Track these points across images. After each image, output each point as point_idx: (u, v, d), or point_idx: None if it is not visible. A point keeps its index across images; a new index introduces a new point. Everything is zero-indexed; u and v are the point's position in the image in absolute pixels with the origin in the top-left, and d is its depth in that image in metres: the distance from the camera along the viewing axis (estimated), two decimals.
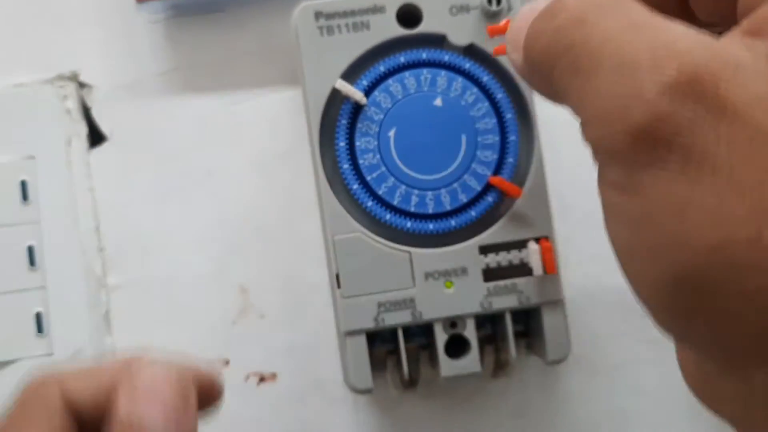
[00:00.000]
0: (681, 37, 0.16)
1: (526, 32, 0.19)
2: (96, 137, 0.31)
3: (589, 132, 0.17)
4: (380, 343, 0.28)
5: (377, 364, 0.28)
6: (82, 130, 0.31)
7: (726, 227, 0.15)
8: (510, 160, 0.27)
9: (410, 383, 0.31)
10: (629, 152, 0.16)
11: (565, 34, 0.18)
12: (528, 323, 0.29)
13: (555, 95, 0.19)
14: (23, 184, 0.30)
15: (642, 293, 0.17)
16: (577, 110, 0.17)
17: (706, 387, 0.17)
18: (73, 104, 0.31)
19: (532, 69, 0.19)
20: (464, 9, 0.27)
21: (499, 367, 0.31)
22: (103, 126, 0.31)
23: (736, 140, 0.15)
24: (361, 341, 0.27)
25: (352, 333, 0.27)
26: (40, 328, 0.30)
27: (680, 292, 0.16)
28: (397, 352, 0.28)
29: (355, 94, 0.26)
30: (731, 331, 0.15)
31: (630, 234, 0.16)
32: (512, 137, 0.27)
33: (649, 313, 0.17)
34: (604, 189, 0.17)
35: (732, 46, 0.16)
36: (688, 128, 0.15)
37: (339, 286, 0.27)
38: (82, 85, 0.31)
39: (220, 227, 0.31)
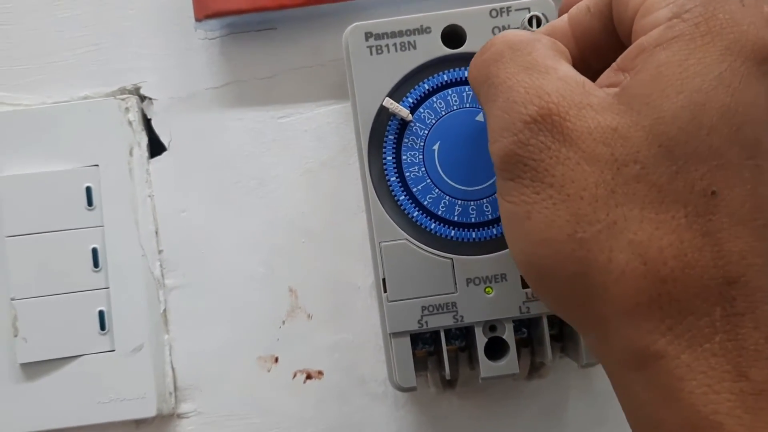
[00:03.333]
0: (555, 80, 0.21)
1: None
2: (156, 147, 0.33)
3: (489, 147, 0.22)
4: (421, 344, 0.30)
5: (418, 364, 0.29)
6: (143, 140, 0.33)
7: (553, 228, 0.20)
8: None
9: (449, 383, 0.33)
10: (501, 168, 0.22)
11: (486, 67, 0.23)
12: (562, 327, 0.30)
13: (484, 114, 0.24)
14: (88, 191, 0.32)
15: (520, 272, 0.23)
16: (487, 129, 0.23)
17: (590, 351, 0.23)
18: (134, 116, 0.33)
19: (474, 91, 0.24)
20: (505, 30, 0.28)
21: (534, 369, 0.32)
22: (163, 136, 0.33)
23: (569, 162, 0.20)
24: (406, 342, 0.28)
25: (397, 334, 0.28)
26: (102, 325, 0.32)
27: (529, 275, 0.22)
28: (437, 352, 0.30)
29: (402, 111, 0.28)
30: (561, 306, 0.22)
31: (504, 228, 0.22)
32: None
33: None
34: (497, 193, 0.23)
35: (592, 87, 0.21)
36: (538, 153, 0.20)
37: (385, 290, 0.28)
38: (143, 98, 0.33)
39: (270, 232, 0.33)
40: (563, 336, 0.30)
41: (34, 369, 0.32)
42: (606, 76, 0.21)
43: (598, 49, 0.23)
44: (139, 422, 0.33)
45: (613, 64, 0.21)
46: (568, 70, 0.21)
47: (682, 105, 0.19)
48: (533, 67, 0.21)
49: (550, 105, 0.20)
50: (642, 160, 0.19)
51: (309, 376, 0.33)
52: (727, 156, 0.19)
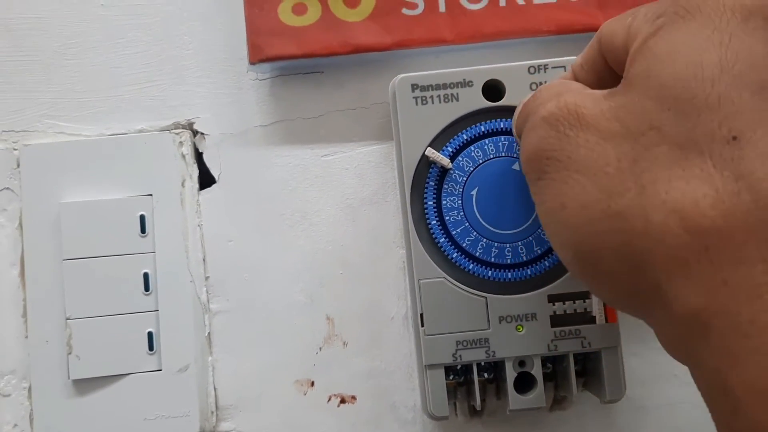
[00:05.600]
0: (569, 90, 0.23)
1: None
2: (206, 179, 0.36)
3: (520, 161, 0.25)
4: (452, 374, 0.32)
5: (447, 393, 0.31)
6: (194, 172, 0.35)
7: (587, 208, 0.21)
8: None
9: (476, 412, 0.34)
10: (529, 170, 0.23)
11: (533, 106, 0.25)
12: (585, 364, 0.32)
13: None
14: (142, 218, 0.34)
15: (569, 269, 0.24)
16: None
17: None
18: (187, 149, 0.35)
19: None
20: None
21: (557, 402, 0.34)
22: (213, 169, 0.35)
23: (588, 144, 0.21)
24: (440, 374, 0.30)
25: (432, 366, 0.30)
26: (151, 346, 0.34)
27: (577, 264, 0.22)
28: (467, 383, 0.32)
29: (442, 160, 0.30)
30: (615, 289, 0.22)
31: (545, 228, 0.23)
32: None
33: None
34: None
35: (599, 93, 0.22)
36: (558, 143, 0.22)
37: (422, 325, 0.30)
38: (195, 133, 0.36)
39: (310, 262, 0.35)
40: (586, 371, 0.32)
41: (85, 385, 0.34)
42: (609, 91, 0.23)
43: None
44: None
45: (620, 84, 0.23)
46: (582, 87, 0.24)
47: (680, 67, 0.20)
48: (559, 90, 0.24)
49: (566, 100, 0.22)
50: (656, 125, 0.20)
51: (343, 401, 0.35)
52: (739, 102, 0.19)
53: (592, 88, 0.25)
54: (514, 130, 0.28)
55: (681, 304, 0.19)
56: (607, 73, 0.25)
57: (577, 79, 0.26)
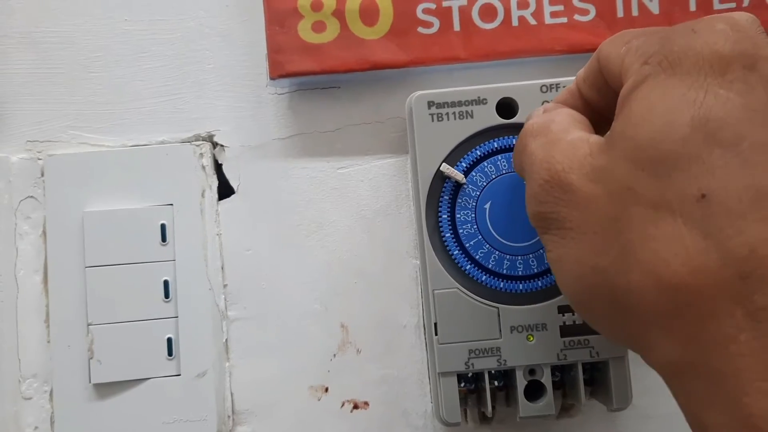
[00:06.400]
0: (564, 145, 0.24)
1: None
2: (225, 190, 0.37)
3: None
4: (464, 382, 0.33)
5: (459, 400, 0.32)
6: (214, 183, 0.36)
7: (580, 264, 0.23)
8: None
9: (486, 419, 0.35)
10: (534, 226, 0.25)
11: (519, 159, 0.27)
12: (592, 373, 0.33)
13: None
14: (162, 227, 0.35)
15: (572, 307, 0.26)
16: None
17: None
18: (207, 161, 0.36)
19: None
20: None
21: (565, 410, 0.35)
22: (232, 181, 0.37)
23: (578, 207, 0.23)
24: (453, 382, 0.31)
25: (445, 374, 0.31)
26: (170, 351, 0.35)
27: (576, 308, 0.25)
28: (477, 390, 0.33)
29: (457, 175, 0.31)
30: (607, 330, 0.24)
31: (553, 272, 0.25)
32: None
33: None
34: None
35: (595, 140, 0.24)
36: (554, 206, 0.24)
37: (436, 334, 0.31)
38: (215, 145, 0.37)
39: (326, 272, 0.36)
40: (593, 380, 0.33)
41: (106, 389, 0.35)
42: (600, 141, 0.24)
43: (601, 107, 0.27)
44: None
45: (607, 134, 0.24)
46: (577, 134, 0.25)
47: (653, 128, 0.21)
48: (548, 142, 0.25)
49: (557, 166, 0.24)
50: (632, 186, 0.21)
51: (356, 407, 0.36)
52: (709, 159, 0.20)
53: (594, 102, 0.27)
54: (515, 169, 0.28)
55: (659, 353, 0.21)
56: (606, 88, 0.26)
57: (580, 92, 0.27)
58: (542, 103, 0.32)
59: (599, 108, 0.27)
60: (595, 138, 0.24)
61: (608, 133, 0.23)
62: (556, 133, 0.25)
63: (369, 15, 0.35)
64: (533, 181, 0.25)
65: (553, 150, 0.24)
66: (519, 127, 0.32)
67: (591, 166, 0.23)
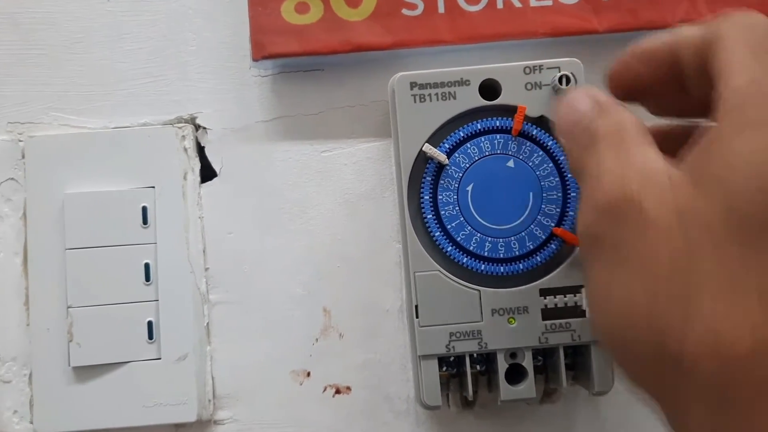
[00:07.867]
0: (640, 165, 0.22)
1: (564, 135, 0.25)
2: (207, 173, 0.36)
3: (577, 226, 0.24)
4: (445, 366, 0.32)
5: (440, 385, 0.32)
6: (196, 166, 0.36)
7: (632, 303, 0.21)
8: (571, 213, 0.32)
9: (468, 403, 0.35)
10: (583, 245, 0.23)
11: (592, 140, 0.23)
12: (575, 357, 0.33)
13: None
14: (144, 210, 0.35)
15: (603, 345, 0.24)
16: None
17: None
18: (189, 143, 0.36)
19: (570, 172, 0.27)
20: (537, 86, 0.31)
21: (548, 395, 0.35)
22: (215, 163, 0.36)
23: (645, 241, 0.21)
24: (434, 365, 0.31)
25: (426, 357, 0.31)
26: (150, 335, 0.35)
27: (612, 347, 0.22)
28: (459, 375, 0.32)
29: (439, 156, 0.31)
30: (641, 377, 0.22)
31: (590, 302, 0.23)
32: (573, 193, 0.32)
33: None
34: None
35: (673, 172, 0.21)
36: (618, 233, 0.21)
37: (417, 316, 0.31)
38: (198, 128, 0.36)
39: (308, 256, 0.36)
40: (575, 365, 0.33)
41: (85, 372, 0.34)
42: (688, 153, 0.21)
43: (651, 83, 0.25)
44: (178, 426, 0.35)
45: (693, 139, 0.21)
46: (652, 155, 0.22)
47: (757, 188, 0.19)
48: (622, 153, 0.22)
49: (632, 186, 0.21)
50: (716, 241, 0.19)
51: (338, 391, 0.36)
52: None
53: (643, 78, 0.25)
54: (570, 168, 0.25)
55: (698, 419, 0.20)
56: (666, 67, 0.24)
57: (629, 66, 0.25)
58: (525, 85, 0.32)
59: (646, 82, 0.25)
60: (671, 169, 0.21)
61: (693, 160, 0.21)
62: (630, 147, 0.22)
63: None
64: (598, 192, 0.22)
65: (627, 167, 0.22)
66: (502, 108, 0.32)
67: (674, 204, 0.20)
